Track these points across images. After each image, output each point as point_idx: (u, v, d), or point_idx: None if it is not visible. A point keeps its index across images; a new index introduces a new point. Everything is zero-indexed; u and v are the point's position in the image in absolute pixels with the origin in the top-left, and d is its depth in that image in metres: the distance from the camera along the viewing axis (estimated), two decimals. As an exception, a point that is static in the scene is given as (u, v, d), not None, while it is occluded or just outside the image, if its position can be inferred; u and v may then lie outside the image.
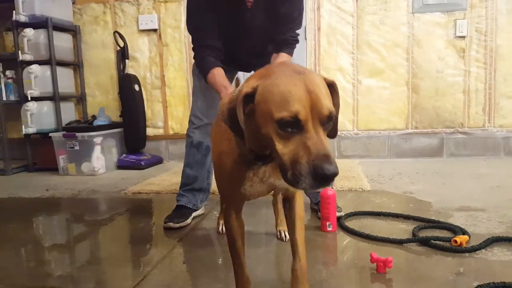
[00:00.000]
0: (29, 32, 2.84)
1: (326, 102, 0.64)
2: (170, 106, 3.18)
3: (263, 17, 1.37)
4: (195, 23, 1.40)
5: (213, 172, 0.93)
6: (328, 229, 1.44)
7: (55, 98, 2.94)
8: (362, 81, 2.94)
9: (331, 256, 1.28)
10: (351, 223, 1.50)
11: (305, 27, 2.92)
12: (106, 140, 2.89)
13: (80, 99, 3.27)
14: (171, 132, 3.21)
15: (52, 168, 2.86)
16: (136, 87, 3.03)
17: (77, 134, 2.74)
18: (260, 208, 1.73)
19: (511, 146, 2.83)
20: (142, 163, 2.93)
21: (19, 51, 2.84)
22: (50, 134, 2.82)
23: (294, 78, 0.64)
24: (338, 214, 1.51)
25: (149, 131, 3.19)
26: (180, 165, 1.72)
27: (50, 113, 2.93)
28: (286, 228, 1.38)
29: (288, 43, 1.38)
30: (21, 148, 3.03)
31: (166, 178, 2.50)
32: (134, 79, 3.04)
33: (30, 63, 2.85)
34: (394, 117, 2.94)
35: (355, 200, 1.87)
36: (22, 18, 2.81)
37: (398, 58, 2.89)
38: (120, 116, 3.11)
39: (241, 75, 1.54)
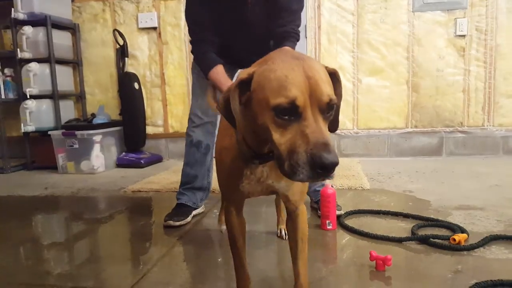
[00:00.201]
0: (28, 30, 2.83)
1: (326, 89, 0.60)
2: (170, 105, 3.18)
3: (263, 12, 1.36)
4: (195, 15, 1.37)
5: (215, 169, 0.93)
6: (328, 227, 1.44)
7: (54, 96, 2.93)
8: (362, 80, 2.94)
9: (331, 254, 1.28)
10: (350, 222, 1.50)
11: (306, 25, 2.91)
12: (105, 139, 2.88)
13: (79, 97, 3.27)
14: (170, 130, 3.20)
15: (51, 166, 2.85)
16: (136, 85, 3.02)
17: (76, 132, 2.74)
18: (260, 207, 1.73)
19: (510, 145, 2.83)
20: (142, 161, 2.93)
21: (18, 49, 2.84)
22: (49, 132, 2.81)
23: (292, 63, 0.61)
24: (338, 212, 1.51)
25: (149, 130, 3.18)
26: (180, 164, 1.72)
27: (49, 111, 2.92)
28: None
29: (289, 36, 1.34)
30: (20, 146, 3.02)
31: (165, 176, 2.50)
32: (133, 77, 3.03)
33: (29, 61, 2.84)
34: (394, 116, 2.94)
35: (355, 199, 1.87)
36: (21, 16, 2.80)
37: (398, 57, 2.89)
38: (119, 114, 3.10)
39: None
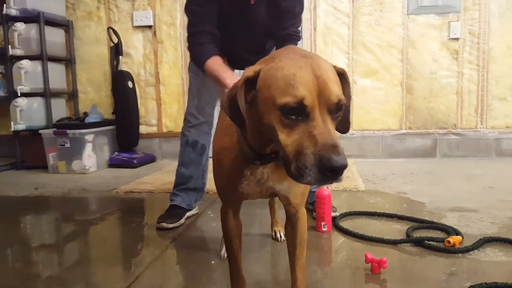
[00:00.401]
0: (20, 26, 2.78)
1: (335, 88, 0.58)
2: (164, 104, 3.15)
3: (265, 12, 1.35)
4: (197, 6, 1.31)
5: (212, 170, 0.91)
6: (323, 229, 1.43)
7: (46, 94, 2.88)
8: (357, 81, 2.95)
9: (326, 257, 1.27)
10: (345, 223, 1.50)
11: (301, 27, 2.90)
12: (98, 138, 2.84)
13: (71, 95, 3.22)
14: (165, 130, 3.17)
15: (41, 166, 2.80)
16: (130, 84, 2.99)
17: (68, 131, 2.69)
18: (255, 208, 1.71)
19: (503, 147, 2.87)
20: (135, 161, 2.90)
21: (9, 46, 2.78)
22: (40, 131, 2.76)
23: (300, 61, 0.58)
24: (333, 214, 1.51)
25: (142, 129, 3.15)
26: (174, 164, 1.70)
27: (40, 109, 2.87)
28: (281, 229, 1.37)
29: (291, 39, 1.35)
30: (10, 145, 2.96)
31: (159, 177, 2.47)
32: (127, 76, 3.00)
33: (20, 58, 2.79)
34: (388, 117, 2.95)
35: (350, 200, 1.87)
36: (13, 12, 2.75)
37: (393, 59, 2.90)
38: (112, 113, 3.06)
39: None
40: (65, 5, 3.12)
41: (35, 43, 2.82)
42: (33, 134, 2.87)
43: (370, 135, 2.97)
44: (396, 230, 1.44)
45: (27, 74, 2.79)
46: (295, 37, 1.36)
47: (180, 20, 3.01)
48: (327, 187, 1.48)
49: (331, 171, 0.54)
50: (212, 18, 1.31)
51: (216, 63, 1.22)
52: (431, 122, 2.92)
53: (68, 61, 3.18)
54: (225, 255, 1.21)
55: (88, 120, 2.86)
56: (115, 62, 3.03)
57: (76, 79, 3.21)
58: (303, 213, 0.84)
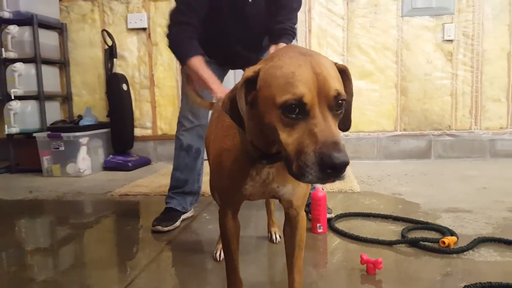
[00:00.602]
0: (13, 29, 2.76)
1: (334, 84, 0.57)
2: (159, 106, 3.14)
3: (263, 7, 1.35)
4: None
5: (209, 172, 0.90)
6: (319, 230, 1.43)
7: (40, 97, 2.86)
8: (352, 83, 2.96)
9: (322, 258, 1.27)
10: (341, 225, 1.50)
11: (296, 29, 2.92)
12: (92, 141, 2.83)
13: (66, 98, 3.20)
14: (159, 132, 3.16)
15: (35, 169, 2.78)
16: (124, 87, 2.98)
17: (62, 134, 2.67)
18: (251, 210, 1.71)
19: (497, 148, 2.89)
20: (130, 164, 2.88)
21: (3, 49, 2.76)
22: (34, 134, 2.74)
23: (299, 60, 0.58)
24: (328, 215, 1.51)
25: (137, 132, 3.14)
26: (169, 167, 1.69)
27: (34, 112, 2.85)
28: (277, 230, 1.37)
29: (287, 33, 1.32)
30: (3, 149, 2.93)
31: (154, 179, 2.46)
32: (122, 79, 2.99)
33: (14, 61, 2.77)
34: (383, 119, 2.97)
35: (345, 202, 1.87)
36: (6, 15, 2.73)
37: (387, 61, 2.92)
38: (107, 116, 3.05)
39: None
40: (59, 7, 3.11)
41: (29, 46, 2.80)
42: (27, 137, 2.85)
43: (365, 136, 2.98)
44: (391, 231, 1.44)
45: (21, 77, 2.77)
46: (290, 32, 1.34)
47: (175, 22, 3.00)
48: (323, 188, 1.48)
49: (332, 168, 0.53)
50: (200, 12, 1.28)
51: (202, 64, 1.22)
52: (426, 123, 2.94)
53: (62, 64, 3.16)
54: (221, 256, 1.21)
55: (83, 123, 2.84)
56: (109, 65, 3.02)
57: (70, 82, 3.19)
58: (303, 215, 0.84)
